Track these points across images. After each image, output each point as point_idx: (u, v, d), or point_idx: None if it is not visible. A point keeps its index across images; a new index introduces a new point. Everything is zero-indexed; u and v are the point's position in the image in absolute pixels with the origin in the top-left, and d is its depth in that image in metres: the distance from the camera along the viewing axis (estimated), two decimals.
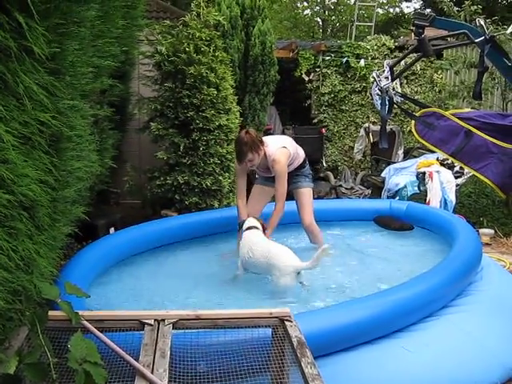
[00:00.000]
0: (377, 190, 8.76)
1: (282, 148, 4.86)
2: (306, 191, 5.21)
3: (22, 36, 1.99)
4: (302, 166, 5.18)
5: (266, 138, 4.98)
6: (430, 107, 4.77)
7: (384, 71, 4.99)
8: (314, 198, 5.34)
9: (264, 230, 4.63)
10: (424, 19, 4.43)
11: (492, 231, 7.03)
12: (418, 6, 25.05)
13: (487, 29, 4.34)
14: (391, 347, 3.24)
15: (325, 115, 11.50)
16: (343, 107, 11.51)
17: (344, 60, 11.19)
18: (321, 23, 29.52)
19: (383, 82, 4.72)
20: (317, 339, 2.69)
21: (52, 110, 2.26)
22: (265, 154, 4.83)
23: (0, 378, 1.91)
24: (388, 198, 7.94)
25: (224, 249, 5.27)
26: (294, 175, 5.15)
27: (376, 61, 11.24)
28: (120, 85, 5.02)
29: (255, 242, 4.41)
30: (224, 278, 4.53)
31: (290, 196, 5.18)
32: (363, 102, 11.50)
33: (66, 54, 2.44)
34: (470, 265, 4.19)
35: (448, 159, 6.89)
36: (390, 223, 6.02)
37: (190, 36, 6.25)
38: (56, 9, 2.24)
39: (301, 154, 5.17)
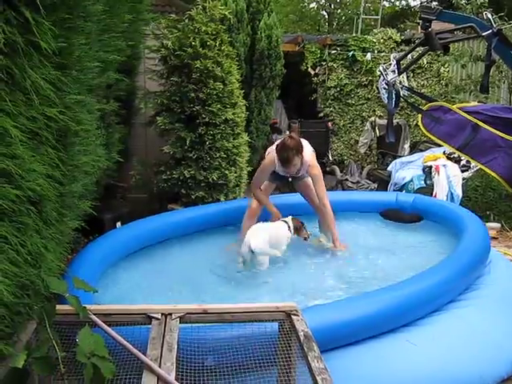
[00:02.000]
0: (383, 183, 8.74)
1: (312, 152, 5.06)
2: (310, 180, 5.31)
3: (28, 31, 1.99)
4: None
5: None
6: (437, 101, 4.74)
7: (391, 65, 4.97)
8: None
9: (298, 229, 4.94)
10: (431, 13, 4.40)
11: (499, 225, 7.02)
12: None
13: (494, 22, 4.31)
14: (398, 341, 3.24)
15: (331, 109, 11.48)
16: (349, 101, 11.49)
17: (350, 54, 11.16)
18: (327, 17, 29.42)
19: (390, 76, 4.71)
20: (324, 333, 2.70)
21: (59, 105, 2.26)
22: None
23: (9, 371, 1.92)
24: (394, 191, 7.92)
25: (228, 241, 5.30)
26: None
27: (382, 54, 11.21)
28: (126, 79, 5.02)
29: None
30: (231, 271, 4.55)
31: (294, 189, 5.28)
32: (369, 96, 11.48)
33: (72, 49, 2.44)
34: (478, 258, 4.17)
35: (454, 153, 6.86)
36: (399, 216, 6.00)
37: (196, 30, 6.24)
38: (62, 3, 2.24)
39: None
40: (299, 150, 4.83)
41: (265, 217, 5.12)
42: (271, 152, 5.08)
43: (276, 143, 5.09)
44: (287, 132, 10.65)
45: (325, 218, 5.03)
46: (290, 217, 4.99)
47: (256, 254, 4.44)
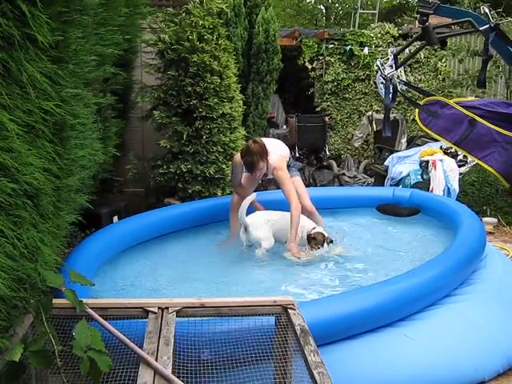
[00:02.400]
0: (380, 178, 8.74)
1: (280, 157, 5.02)
2: (297, 179, 5.34)
3: (25, 24, 1.98)
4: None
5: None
6: (434, 95, 4.75)
7: (388, 59, 4.97)
8: (316, 186, 5.39)
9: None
10: (428, 7, 4.40)
11: (495, 220, 7.03)
12: None
13: (492, 17, 4.31)
14: (395, 335, 3.25)
15: (328, 103, 11.46)
16: (346, 95, 11.47)
17: (347, 48, 11.14)
18: (324, 11, 29.36)
19: (387, 70, 4.71)
20: (320, 328, 2.70)
21: (55, 99, 2.26)
22: None
23: (5, 365, 1.92)
24: (391, 186, 7.93)
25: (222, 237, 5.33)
26: None
27: (379, 49, 11.19)
28: (123, 73, 5.01)
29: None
30: (227, 265, 4.56)
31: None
32: (366, 91, 11.46)
33: (69, 42, 2.44)
34: (474, 252, 4.18)
35: (451, 148, 6.87)
36: (396, 210, 6.01)
37: (193, 24, 6.23)
38: None
39: (287, 153, 5.31)
40: (263, 153, 4.85)
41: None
42: (237, 154, 5.13)
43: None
44: (284, 126, 10.65)
45: (291, 217, 4.83)
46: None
47: (249, 231, 4.59)
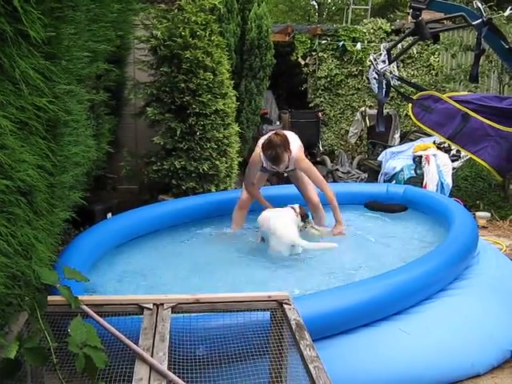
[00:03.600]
0: (373, 173, 8.76)
1: (299, 147, 5.04)
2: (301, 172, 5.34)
3: (17, 20, 1.97)
4: None
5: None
6: (427, 90, 4.75)
7: (381, 55, 4.97)
8: None
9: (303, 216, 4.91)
10: (421, 2, 4.40)
11: (488, 214, 7.05)
12: None
13: (484, 11, 4.31)
14: (389, 330, 3.27)
15: (321, 99, 11.47)
16: (339, 91, 11.48)
17: (340, 44, 11.14)
18: (317, 6, 29.32)
19: (380, 66, 4.71)
20: (315, 322, 2.71)
21: (48, 95, 2.25)
22: None
23: (1, 362, 1.91)
24: (385, 181, 7.95)
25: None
26: None
27: (372, 44, 11.20)
28: (116, 70, 5.00)
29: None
30: (224, 261, 4.56)
31: (287, 181, 5.29)
32: (359, 86, 11.48)
33: (61, 39, 2.42)
34: (466, 248, 4.20)
35: (445, 142, 6.88)
36: (384, 206, 6.03)
37: (186, 20, 6.21)
38: None
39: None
40: (286, 146, 4.82)
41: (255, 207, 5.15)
42: (257, 148, 5.08)
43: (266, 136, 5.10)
44: (278, 122, 10.64)
45: (332, 203, 5.01)
46: (297, 204, 4.98)
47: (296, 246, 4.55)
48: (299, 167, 4.98)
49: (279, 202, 5.15)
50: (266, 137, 5.05)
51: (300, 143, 5.12)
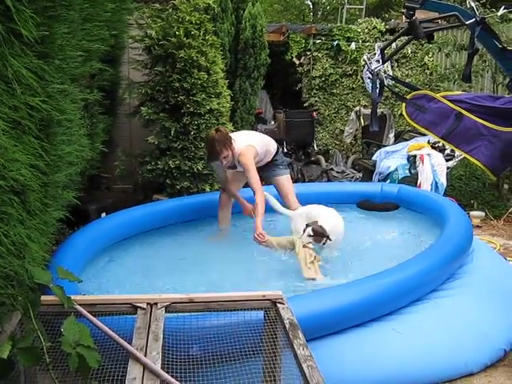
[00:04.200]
0: (368, 173, 8.77)
1: (248, 146, 4.97)
2: (285, 178, 5.36)
3: (9, 19, 1.96)
4: (274, 158, 5.32)
5: (233, 135, 5.08)
6: (421, 90, 4.75)
7: (375, 54, 4.97)
8: (305, 182, 5.41)
9: None
10: (414, 1, 4.40)
11: (483, 213, 7.08)
12: None
13: (477, 10, 4.31)
14: (382, 330, 3.27)
15: (316, 99, 11.47)
16: (334, 91, 11.49)
17: (335, 43, 11.15)
18: (311, 6, 29.33)
19: (374, 65, 4.70)
20: (309, 322, 2.71)
21: (42, 94, 2.24)
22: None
23: None
24: (379, 181, 7.97)
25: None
26: (269, 166, 5.31)
27: (367, 44, 11.20)
28: (110, 69, 5.00)
29: None
30: (216, 259, 4.56)
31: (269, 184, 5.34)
32: (354, 86, 11.48)
33: (54, 38, 2.42)
34: (460, 247, 4.21)
35: (439, 142, 6.89)
36: (376, 206, 6.04)
37: (180, 19, 6.21)
38: None
39: (272, 149, 5.29)
40: (227, 141, 4.85)
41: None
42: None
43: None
44: (272, 122, 10.64)
45: (257, 205, 4.79)
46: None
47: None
48: (239, 163, 4.94)
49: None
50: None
51: (256, 143, 5.05)
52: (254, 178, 4.82)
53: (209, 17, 6.70)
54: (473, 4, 4.21)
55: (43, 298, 2.23)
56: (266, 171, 5.34)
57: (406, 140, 8.86)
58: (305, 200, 5.31)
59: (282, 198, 5.28)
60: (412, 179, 7.52)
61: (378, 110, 7.50)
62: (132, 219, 5.05)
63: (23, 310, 2.10)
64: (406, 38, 4.93)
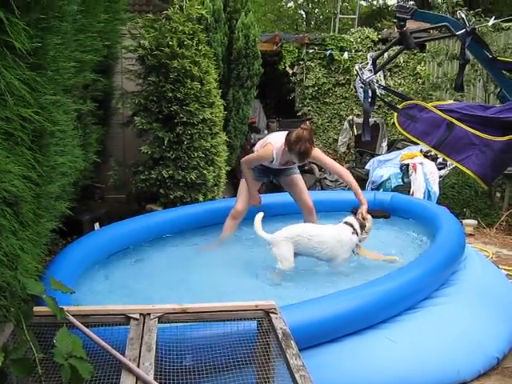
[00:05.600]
0: (361, 182, 8.79)
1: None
2: (298, 176, 5.41)
3: (2, 31, 1.98)
4: None
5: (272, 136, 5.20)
6: (412, 99, 4.78)
7: (367, 64, 5.00)
8: None
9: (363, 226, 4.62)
10: (405, 12, 4.44)
11: (475, 222, 7.10)
12: None
13: (469, 21, 4.36)
14: (376, 338, 3.28)
15: (309, 108, 11.53)
16: (327, 100, 11.55)
17: (328, 53, 11.21)
18: (304, 16, 29.48)
19: (366, 75, 4.73)
20: (302, 331, 2.72)
21: (34, 106, 2.25)
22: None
23: None
24: (372, 190, 7.99)
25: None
26: (283, 168, 5.31)
27: (359, 53, 11.28)
28: (103, 79, 5.00)
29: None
30: (210, 270, 4.56)
31: (278, 188, 5.33)
32: (347, 95, 11.55)
33: (47, 49, 2.43)
34: (453, 255, 4.22)
35: (431, 151, 6.92)
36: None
37: (173, 30, 6.22)
38: (36, 3, 2.23)
39: None
40: (312, 140, 4.81)
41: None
42: (269, 144, 5.02)
43: (269, 136, 5.20)
44: (265, 131, 10.67)
45: (351, 183, 5.10)
46: (352, 216, 4.74)
47: (271, 244, 4.43)
48: (314, 158, 4.93)
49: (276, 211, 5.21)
50: (277, 134, 5.14)
51: None
52: (332, 161, 5.07)
53: (202, 27, 6.72)
54: (463, 15, 4.25)
55: (36, 309, 2.22)
56: (281, 173, 5.37)
57: (399, 149, 8.91)
58: (299, 209, 5.34)
59: (296, 197, 5.36)
60: (405, 188, 7.55)
61: (371, 119, 7.53)
62: (127, 231, 5.03)
63: (16, 321, 2.10)
64: (398, 47, 4.97)
